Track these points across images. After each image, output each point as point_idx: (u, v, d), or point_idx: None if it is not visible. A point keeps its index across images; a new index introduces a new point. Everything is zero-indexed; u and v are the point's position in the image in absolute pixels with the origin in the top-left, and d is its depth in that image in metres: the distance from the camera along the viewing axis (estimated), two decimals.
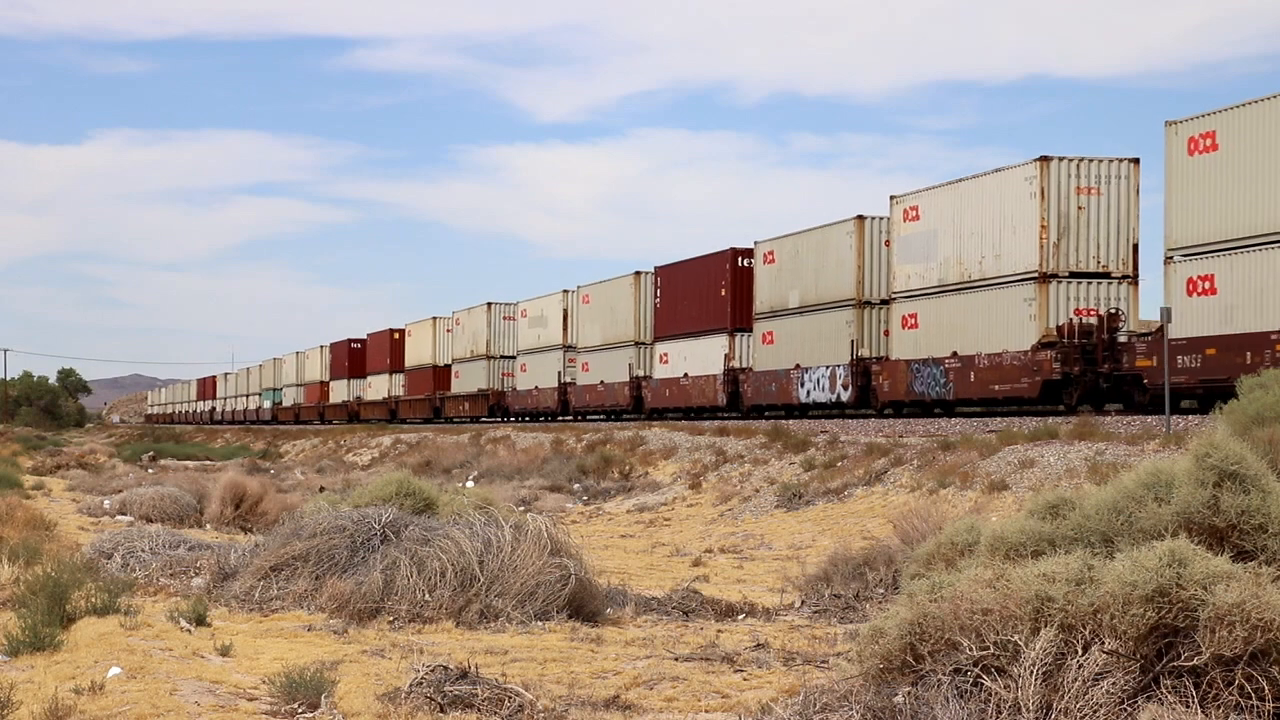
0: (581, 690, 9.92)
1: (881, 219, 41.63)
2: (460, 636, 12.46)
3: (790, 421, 41.59)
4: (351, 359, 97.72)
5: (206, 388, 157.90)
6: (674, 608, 14.34)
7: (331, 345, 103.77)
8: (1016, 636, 7.65)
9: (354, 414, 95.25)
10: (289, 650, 11.55)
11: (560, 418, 64.04)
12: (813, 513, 26.42)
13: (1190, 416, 27.42)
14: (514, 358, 70.45)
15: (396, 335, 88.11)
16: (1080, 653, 7.47)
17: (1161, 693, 7.30)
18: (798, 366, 44.39)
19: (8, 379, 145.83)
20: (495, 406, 71.32)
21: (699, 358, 51.45)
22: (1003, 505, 21.62)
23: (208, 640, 11.73)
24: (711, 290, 50.89)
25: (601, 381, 59.19)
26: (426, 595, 13.34)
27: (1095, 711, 7.27)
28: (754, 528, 25.93)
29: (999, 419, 33.12)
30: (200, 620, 12.54)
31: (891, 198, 40.04)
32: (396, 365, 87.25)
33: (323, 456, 61.11)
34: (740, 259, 49.53)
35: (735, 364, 49.05)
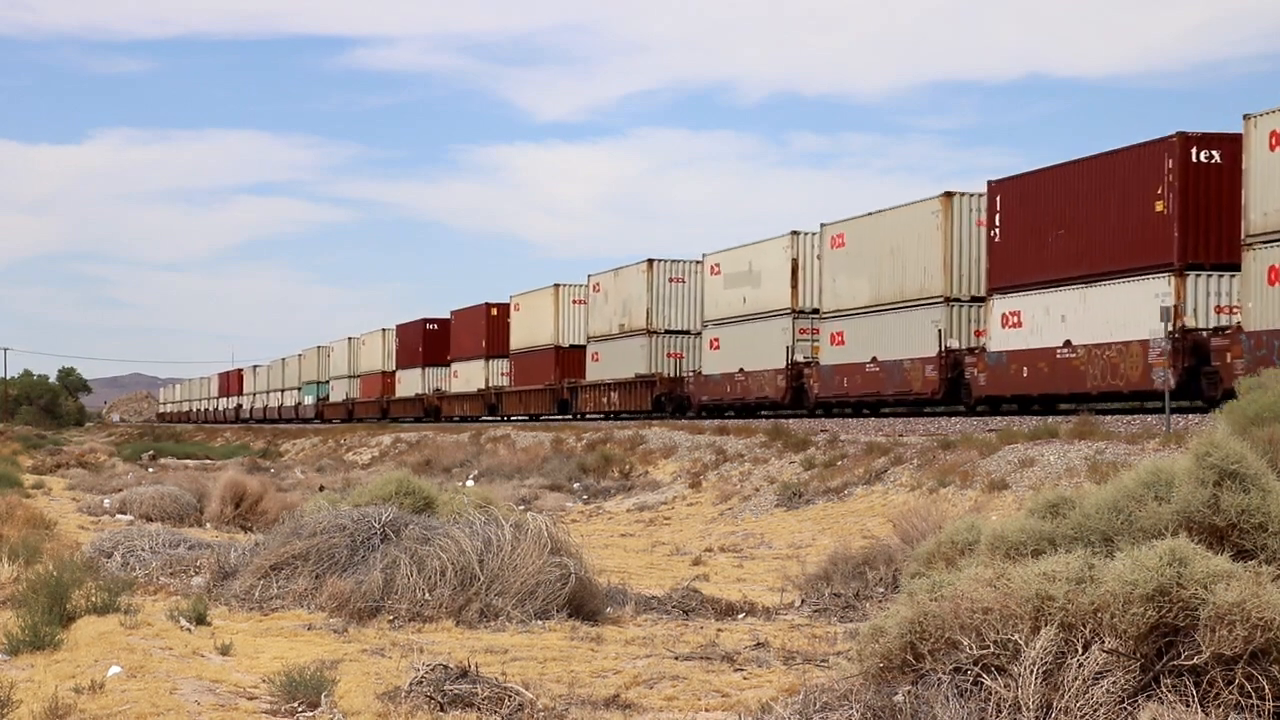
0: (581, 689, 9.91)
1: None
2: (460, 635, 12.46)
3: (791, 421, 41.49)
4: (428, 343, 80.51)
5: (231, 382, 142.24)
6: (674, 607, 14.34)
7: (399, 328, 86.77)
8: (1017, 635, 7.65)
9: (432, 409, 79.45)
10: (289, 649, 11.55)
11: (795, 413, 44.58)
12: (813, 512, 26.43)
13: (1191, 416, 27.40)
14: (687, 332, 54.34)
15: (496, 311, 71.68)
16: (1080, 652, 7.47)
17: (1162, 692, 7.30)
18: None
19: (8, 378, 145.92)
20: (665, 398, 53.51)
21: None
22: (1003, 504, 21.62)
23: (208, 639, 11.73)
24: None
25: (874, 359, 39.98)
26: (426, 594, 13.34)
27: (1095, 710, 7.27)
28: (754, 527, 25.94)
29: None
30: (200, 619, 12.54)
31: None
32: (497, 348, 70.50)
33: (322, 455, 61.13)
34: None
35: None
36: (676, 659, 11.31)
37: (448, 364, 78.47)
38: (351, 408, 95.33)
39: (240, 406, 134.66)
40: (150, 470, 44.99)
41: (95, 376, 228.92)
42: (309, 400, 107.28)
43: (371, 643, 11.96)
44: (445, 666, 9.72)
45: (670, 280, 55.30)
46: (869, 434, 32.93)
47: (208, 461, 54.33)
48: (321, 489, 29.77)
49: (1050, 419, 29.61)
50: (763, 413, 47.64)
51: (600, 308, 59.42)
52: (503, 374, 70.56)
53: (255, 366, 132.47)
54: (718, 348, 49.98)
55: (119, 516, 26.80)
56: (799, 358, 44.96)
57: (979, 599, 7.89)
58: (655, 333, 54.87)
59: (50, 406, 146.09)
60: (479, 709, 9.08)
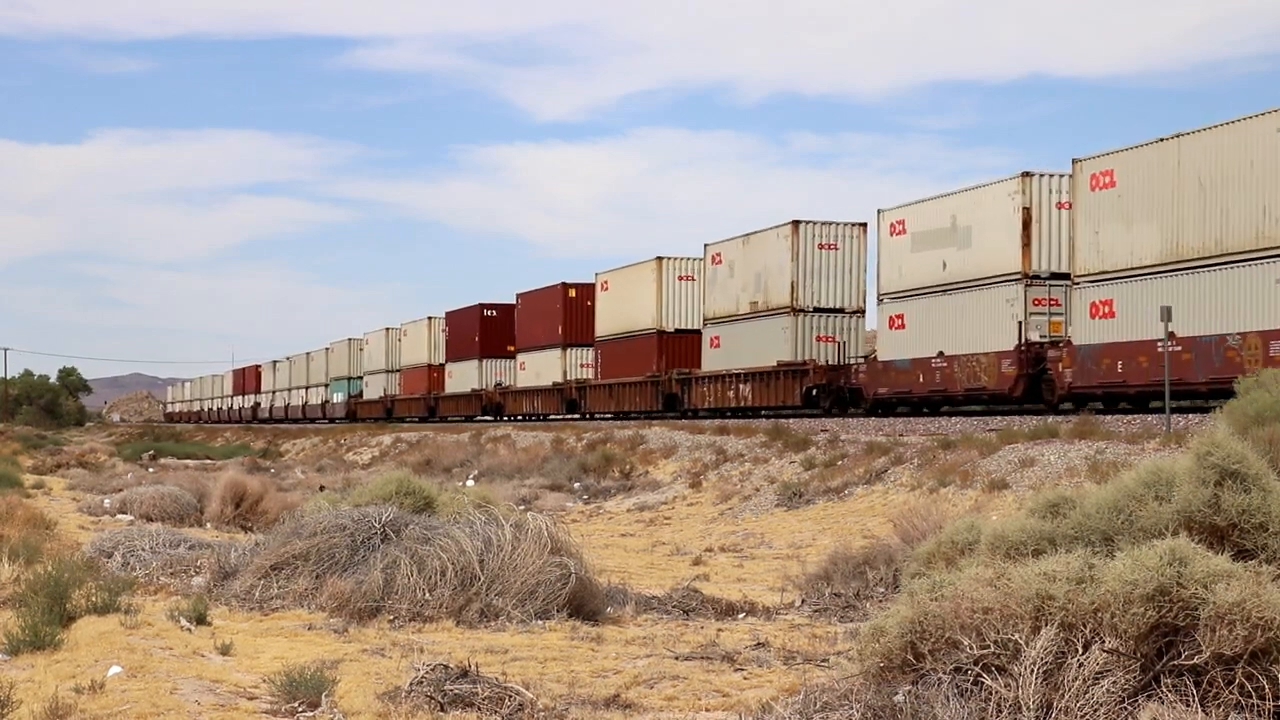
0: (582, 689, 9.91)
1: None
2: (460, 635, 12.46)
3: (791, 421, 41.43)
4: (487, 332, 71.99)
5: (247, 380, 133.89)
6: (674, 607, 14.34)
7: (449, 315, 77.60)
8: (1017, 635, 7.64)
9: (493, 405, 70.84)
10: (289, 649, 11.55)
11: (1032, 408, 34.98)
12: (813, 511, 26.43)
13: (1191, 416, 27.39)
14: (841, 310, 44.65)
15: (574, 292, 62.38)
16: (1081, 651, 7.47)
17: (1162, 691, 7.29)
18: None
19: (8, 378, 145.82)
20: (820, 391, 43.76)
21: None
22: (1003, 504, 21.62)
23: (208, 639, 11.73)
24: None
25: (1172, 335, 28.21)
26: (427, 594, 13.34)
27: (1096, 710, 7.27)
28: (754, 526, 25.94)
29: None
30: (200, 619, 12.54)
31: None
32: (577, 335, 61.68)
33: (323, 455, 61.12)
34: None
35: None
36: (677, 659, 11.30)
37: (511, 355, 69.76)
38: (391, 405, 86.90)
39: (258, 405, 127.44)
40: (150, 470, 44.99)
41: (95, 376, 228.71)
42: (338, 398, 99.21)
43: (372, 643, 11.96)
44: (445, 666, 9.72)
45: (820, 246, 44.74)
46: (869, 434, 32.93)
47: (208, 461, 54.33)
48: (322, 489, 29.77)
49: (1050, 419, 29.61)
50: (977, 408, 38.15)
51: (722, 283, 49.02)
52: (584, 365, 61.45)
53: (275, 362, 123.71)
54: (901, 326, 39.70)
55: (119, 516, 26.80)
56: (1034, 336, 34.80)
57: (979, 599, 7.89)
58: (802, 311, 44.53)
59: (50, 406, 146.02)
60: (479, 709, 9.07)
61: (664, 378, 52.85)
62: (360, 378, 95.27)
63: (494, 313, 72.37)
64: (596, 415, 58.31)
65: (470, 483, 34.86)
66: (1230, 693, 7.23)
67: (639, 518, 29.93)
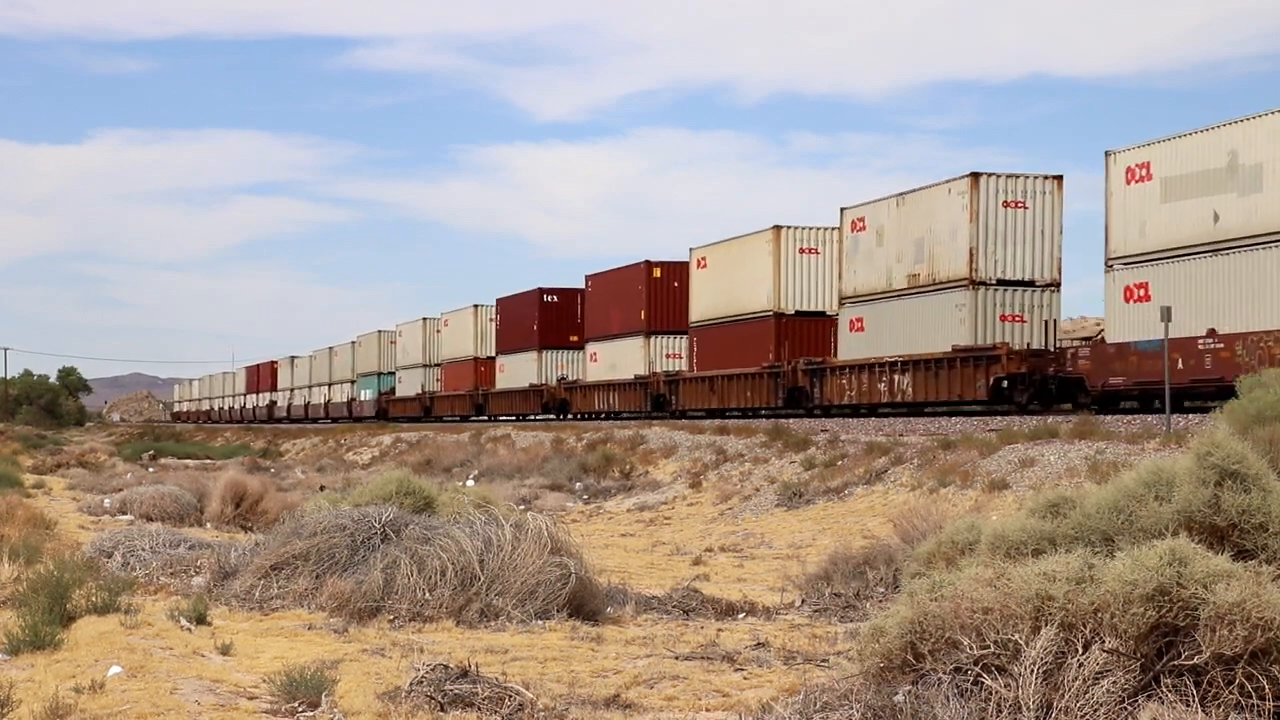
0: (582, 689, 9.91)
1: None
2: (460, 635, 12.46)
3: (791, 421, 41.29)
4: (547, 320, 64.93)
5: (261, 377, 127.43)
6: (674, 607, 14.34)
7: (501, 302, 70.40)
8: (1017, 635, 7.64)
9: (556, 402, 63.23)
10: (289, 649, 11.55)
11: None
12: (813, 511, 26.43)
13: (1191, 415, 27.36)
14: (1030, 283, 36.57)
15: (661, 272, 54.69)
16: (1081, 651, 7.47)
17: (1162, 691, 7.30)
18: None
19: (8, 378, 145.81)
20: (1014, 382, 35.21)
21: None
22: (1003, 504, 21.62)
23: (208, 639, 11.73)
24: None
25: None
26: (427, 594, 13.34)
27: (1096, 710, 7.27)
28: (754, 526, 25.93)
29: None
30: (200, 619, 12.54)
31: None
32: (663, 321, 54.55)
33: (323, 455, 61.12)
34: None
35: None
36: (677, 659, 11.30)
37: (577, 346, 62.84)
38: (429, 403, 79.65)
39: (273, 404, 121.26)
40: (150, 470, 44.99)
41: (95, 376, 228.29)
42: (367, 395, 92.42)
43: (372, 642, 11.96)
44: (445, 666, 9.72)
45: (1005, 204, 36.51)
46: (869, 434, 32.93)
47: (208, 461, 54.33)
48: (322, 489, 29.78)
49: (1050, 419, 29.61)
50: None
51: (867, 254, 40.99)
52: (670, 355, 54.11)
53: (294, 358, 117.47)
54: (1145, 298, 31.03)
55: (119, 516, 26.80)
56: None
57: (979, 599, 7.89)
58: (983, 284, 36.34)
59: (50, 406, 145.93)
60: (479, 709, 9.07)
61: (786, 368, 44.52)
62: (392, 373, 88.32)
63: (555, 298, 65.04)
64: (690, 413, 50.31)
65: (470, 483, 34.87)
66: (1230, 693, 7.23)
67: (639, 518, 29.93)
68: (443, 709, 9.07)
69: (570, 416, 60.62)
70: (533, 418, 64.77)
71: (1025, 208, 36.71)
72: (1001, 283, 36.51)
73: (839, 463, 29.49)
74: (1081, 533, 8.90)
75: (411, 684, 9.42)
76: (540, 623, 12.99)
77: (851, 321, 42.12)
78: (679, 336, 53.39)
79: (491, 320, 72.24)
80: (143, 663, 10.25)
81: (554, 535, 14.10)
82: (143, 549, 17.35)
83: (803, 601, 15.02)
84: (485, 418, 70.43)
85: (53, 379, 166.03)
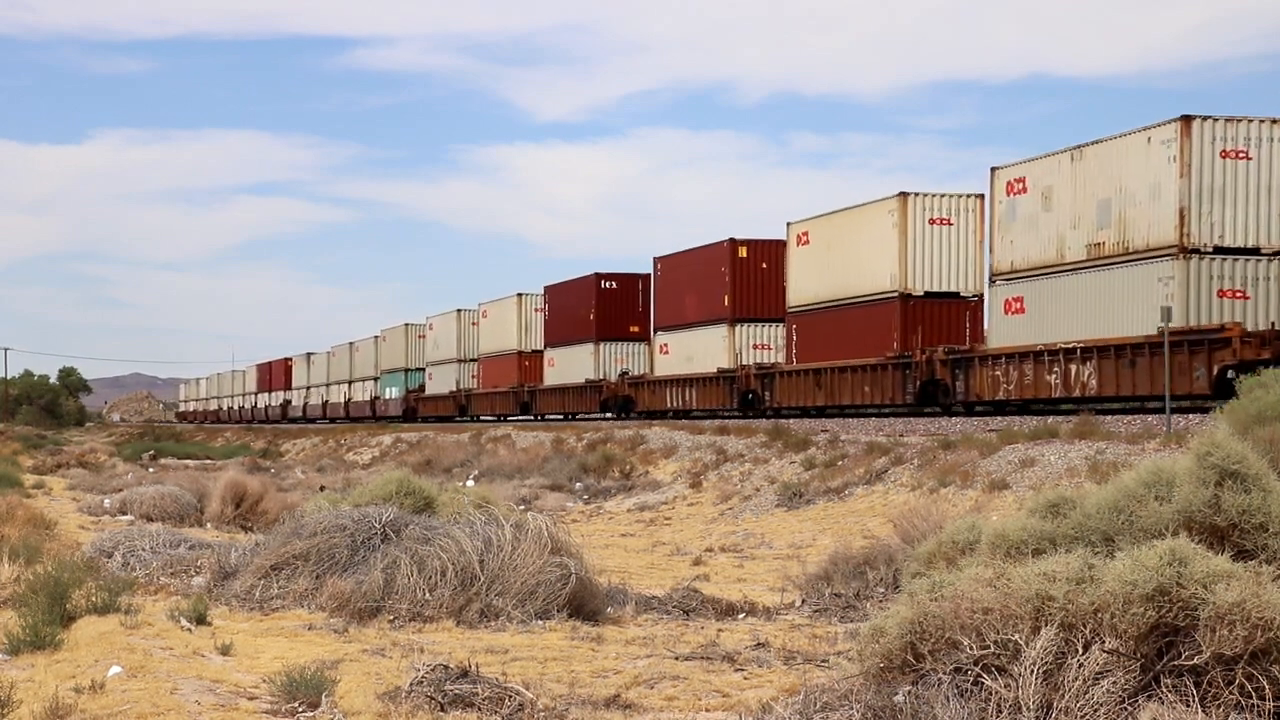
0: (582, 689, 9.91)
1: None
2: (461, 635, 12.46)
3: (791, 422, 41.20)
4: (605, 308, 58.77)
5: (274, 375, 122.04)
6: (674, 607, 14.34)
7: (550, 290, 64.44)
8: (1017, 635, 7.64)
9: (618, 400, 57.08)
10: (289, 649, 11.55)
11: None
12: (813, 512, 26.43)
13: (1191, 416, 27.36)
14: (1256, 252, 29.54)
15: (746, 251, 48.11)
16: (1081, 652, 7.47)
17: (1162, 692, 7.29)
18: None
19: (8, 378, 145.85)
20: (1255, 370, 21.24)
21: None
22: (1003, 504, 21.62)
23: (208, 639, 11.73)
24: None
25: None
26: (427, 594, 13.34)
27: (1096, 710, 7.27)
28: (754, 527, 25.93)
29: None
30: (201, 619, 12.54)
31: None
32: (750, 308, 47.68)
33: (323, 455, 61.14)
34: None
35: None
36: (677, 659, 11.30)
37: (636, 337, 57.71)
38: (465, 400, 73.73)
39: (288, 404, 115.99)
40: (151, 470, 45.00)
41: (95, 376, 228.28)
42: (392, 393, 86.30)
43: (372, 643, 11.96)
44: (446, 666, 9.72)
45: (1224, 154, 29.45)
46: (869, 434, 32.93)
47: (208, 461, 54.35)
48: (322, 489, 29.78)
49: (1050, 419, 29.61)
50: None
51: (1029, 220, 34.05)
52: (758, 345, 47.65)
53: (310, 355, 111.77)
54: None
55: (119, 516, 26.81)
56: None
57: (979, 599, 7.89)
58: (1196, 253, 29.34)
59: (51, 406, 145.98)
60: (479, 709, 9.07)
61: (918, 359, 37.44)
62: (422, 369, 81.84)
63: (613, 284, 58.68)
64: (787, 411, 44.12)
65: (470, 483, 34.88)
66: (1230, 693, 7.23)
67: (639, 518, 29.93)
68: (443, 709, 9.08)
69: (633, 415, 54.55)
70: (584, 415, 59.63)
71: (1249, 158, 29.55)
72: (1220, 251, 29.42)
73: (839, 463, 29.49)
74: (1082, 533, 8.90)
75: (411, 684, 9.42)
76: (540, 623, 13.00)
77: (1007, 302, 35.04)
78: (770, 325, 47.01)
79: (537, 310, 66.38)
80: (143, 663, 10.25)
81: (554, 535, 14.10)
82: (143, 549, 17.35)
83: (803, 602, 15.02)
84: (531, 416, 65.23)
85: (53, 379, 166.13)
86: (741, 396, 46.85)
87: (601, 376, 58.54)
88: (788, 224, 44.65)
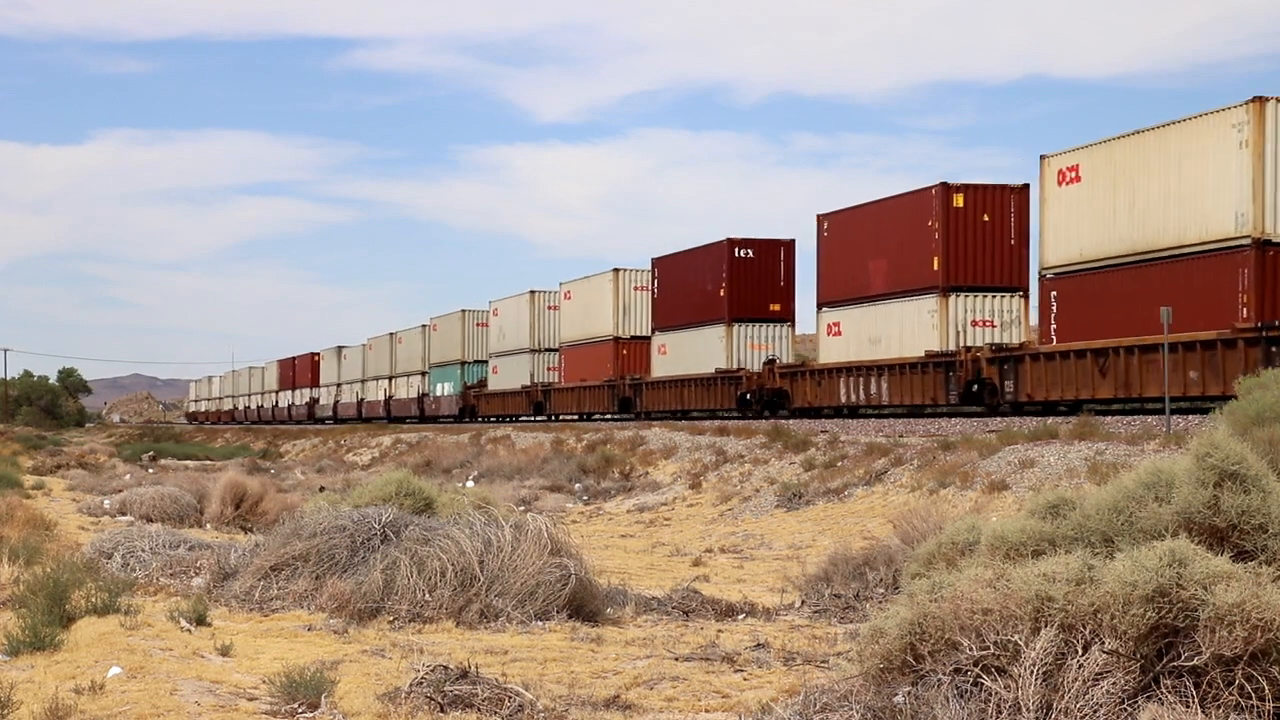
0: (582, 690, 9.91)
1: None
2: (460, 636, 12.46)
3: (791, 422, 41.14)
4: (737, 282, 48.48)
5: (299, 372, 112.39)
6: (674, 607, 14.34)
7: (658, 262, 53.58)
8: (1017, 636, 7.64)
9: (767, 394, 46.30)
10: (289, 650, 11.55)
11: None
12: (813, 512, 26.43)
13: (1191, 416, 27.37)
14: None
15: (961, 199, 37.08)
16: (1080, 652, 7.47)
17: (1161, 692, 7.29)
18: None
19: (8, 378, 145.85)
20: None
21: None
22: (1003, 505, 21.62)
23: (208, 640, 11.73)
24: None
25: None
26: (427, 595, 13.34)
27: (1095, 711, 7.27)
28: (754, 527, 25.93)
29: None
30: (200, 620, 12.54)
31: None
32: (966, 274, 37.00)
33: (323, 456, 61.13)
34: None
35: None
36: (677, 660, 11.31)
37: (779, 317, 48.38)
38: (542, 397, 63.94)
39: (315, 402, 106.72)
40: (150, 471, 44.99)
41: (95, 377, 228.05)
42: (445, 390, 76.17)
43: (371, 643, 11.96)
44: (445, 667, 9.72)
45: None
46: (869, 435, 32.93)
47: (208, 462, 54.34)
48: (322, 490, 29.77)
49: (1050, 420, 29.61)
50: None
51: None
52: (980, 322, 37.22)
53: (341, 348, 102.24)
54: None
55: (119, 517, 26.80)
56: None
57: (979, 600, 7.89)
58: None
59: (50, 407, 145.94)
60: (479, 710, 9.07)
61: (1265, 333, 27.04)
62: (484, 361, 72.09)
63: (749, 252, 48.23)
64: (1036, 406, 34.14)
65: (470, 484, 34.88)
66: (1230, 694, 7.23)
67: (639, 518, 29.93)
68: (442, 710, 9.08)
69: (789, 413, 43.92)
70: (721, 412, 48.76)
71: None
72: None
73: (839, 464, 29.49)
74: (1081, 534, 8.90)
75: (411, 685, 9.42)
76: (540, 624, 13.00)
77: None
78: (998, 295, 37.02)
79: (638, 289, 56.19)
80: (142, 663, 10.25)
81: (554, 536, 14.10)
82: (142, 550, 17.35)
83: (802, 602, 15.02)
84: (631, 415, 54.28)
85: (53, 380, 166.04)
86: (964, 387, 36.01)
87: (736, 365, 48.18)
88: (1041, 157, 33.29)
